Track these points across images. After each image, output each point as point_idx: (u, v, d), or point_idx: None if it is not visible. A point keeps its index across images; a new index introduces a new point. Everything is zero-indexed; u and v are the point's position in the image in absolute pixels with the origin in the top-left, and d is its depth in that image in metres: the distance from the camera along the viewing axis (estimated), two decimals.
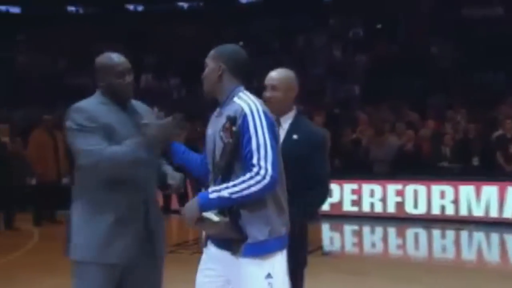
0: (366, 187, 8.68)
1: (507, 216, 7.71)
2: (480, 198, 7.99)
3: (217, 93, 2.24)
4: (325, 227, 8.41)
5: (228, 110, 2.16)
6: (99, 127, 2.27)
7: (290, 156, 2.43)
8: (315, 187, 2.62)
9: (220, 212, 2.11)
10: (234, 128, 2.10)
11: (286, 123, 2.66)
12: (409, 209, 8.41)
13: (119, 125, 2.33)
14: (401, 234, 7.90)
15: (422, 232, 7.86)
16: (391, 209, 8.53)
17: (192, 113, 13.11)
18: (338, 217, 8.54)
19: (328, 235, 8.32)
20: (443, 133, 9.05)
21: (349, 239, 8.09)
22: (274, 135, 2.14)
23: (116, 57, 2.38)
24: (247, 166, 2.09)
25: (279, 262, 2.16)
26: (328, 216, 8.42)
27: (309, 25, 14.27)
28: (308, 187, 2.57)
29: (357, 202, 8.72)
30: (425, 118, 9.88)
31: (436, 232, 7.76)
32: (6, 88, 14.61)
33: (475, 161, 8.52)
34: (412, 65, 11.57)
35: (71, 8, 18.77)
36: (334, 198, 8.79)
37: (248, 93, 2.22)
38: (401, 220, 8.25)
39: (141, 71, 14.65)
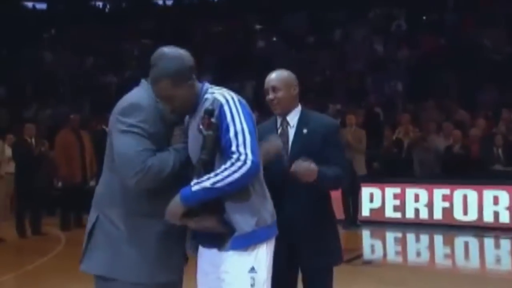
0: (410, 192, 8.51)
1: None
2: None
3: (192, 105, 2.26)
4: (366, 234, 8.27)
5: (204, 105, 2.21)
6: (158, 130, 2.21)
7: (303, 151, 2.60)
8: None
9: (203, 205, 2.12)
10: (213, 120, 2.15)
11: (293, 120, 2.77)
12: (458, 215, 8.20)
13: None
14: (449, 243, 7.71)
15: (472, 241, 7.64)
16: (437, 215, 8.33)
17: None
18: (380, 224, 8.41)
19: (369, 243, 8.19)
20: (495, 133, 8.82)
21: (392, 248, 7.94)
22: (252, 121, 2.20)
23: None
24: (227, 154, 2.13)
25: (264, 254, 2.20)
26: (369, 223, 8.29)
27: (347, 17, 14.13)
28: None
29: (400, 208, 8.56)
30: (475, 117, 9.64)
31: (489, 241, 7.53)
32: (33, 87, 14.99)
33: None
34: (460, 59, 11.32)
35: (98, 3, 19.14)
36: (375, 203, 8.64)
37: (215, 86, 2.29)
38: (449, 227, 8.06)
39: None
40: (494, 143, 8.59)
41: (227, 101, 2.19)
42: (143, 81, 2.30)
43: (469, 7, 12.49)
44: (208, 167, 2.14)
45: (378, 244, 8.15)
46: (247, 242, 2.16)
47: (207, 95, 2.25)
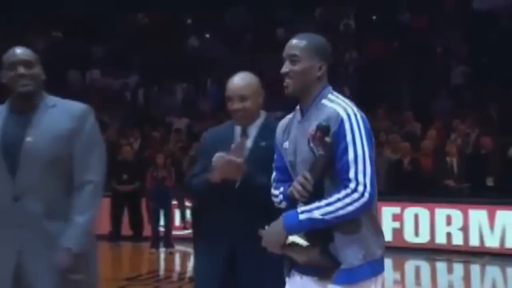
0: None
1: None
2: (494, 225, 8.11)
3: (305, 94, 2.27)
4: None
5: (319, 115, 2.21)
6: None
7: (258, 165, 2.61)
8: None
9: (307, 235, 2.15)
10: (327, 139, 2.13)
11: (253, 131, 2.79)
12: (409, 237, 8.49)
13: None
14: (399, 267, 7.96)
15: (424, 265, 7.93)
16: (387, 237, 8.53)
17: (152, 119, 13.07)
18: None
19: None
20: (448, 145, 9.17)
21: None
22: (371, 143, 2.19)
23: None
24: (342, 180, 2.14)
25: None
26: None
27: (291, 15, 14.38)
28: None
29: None
30: (428, 127, 10.04)
31: (441, 265, 7.83)
32: None
33: (489, 181, 8.67)
34: (413, 63, 11.75)
35: None
36: None
37: (337, 94, 2.28)
38: (399, 250, 8.31)
39: (88, 65, 14.53)
40: (448, 156, 8.96)
41: (349, 117, 2.16)
42: None
43: (422, 6, 12.98)
44: (315, 189, 2.14)
45: None
46: (354, 278, 2.17)
47: (325, 101, 2.24)
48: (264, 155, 2.65)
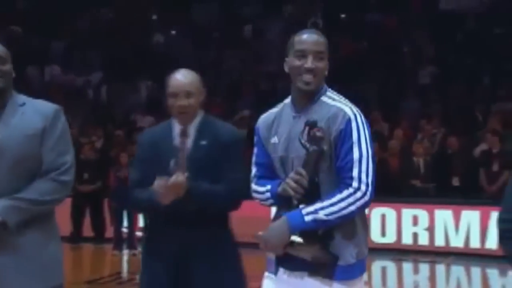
0: None
1: (490, 247, 7.99)
2: (459, 225, 8.29)
3: (314, 91, 2.35)
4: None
5: (321, 111, 2.29)
6: None
7: (200, 165, 2.65)
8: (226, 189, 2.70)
9: (302, 233, 2.20)
10: (318, 134, 2.20)
11: (193, 129, 2.80)
12: (376, 237, 8.62)
13: None
14: (366, 268, 8.05)
15: (391, 266, 8.06)
16: None
17: (115, 117, 12.94)
18: None
19: None
20: (415, 145, 9.33)
21: None
22: (373, 145, 2.29)
23: None
24: (343, 178, 2.21)
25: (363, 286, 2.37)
26: None
27: (258, 12, 14.42)
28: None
29: None
30: (395, 127, 10.19)
31: (407, 266, 7.97)
32: None
33: (455, 181, 8.85)
34: (382, 65, 11.91)
35: None
36: None
37: (334, 92, 2.40)
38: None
39: (47, 61, 14.31)
40: (414, 156, 9.11)
41: (355, 116, 2.25)
42: None
43: (391, 6, 13.15)
44: (310, 186, 2.20)
45: None
46: (351, 275, 2.28)
47: (325, 98, 2.33)
48: (205, 155, 2.71)
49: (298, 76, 2.32)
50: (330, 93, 2.38)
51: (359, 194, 2.18)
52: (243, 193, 2.69)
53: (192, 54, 13.05)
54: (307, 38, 2.35)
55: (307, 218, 2.18)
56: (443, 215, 8.36)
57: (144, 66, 13.20)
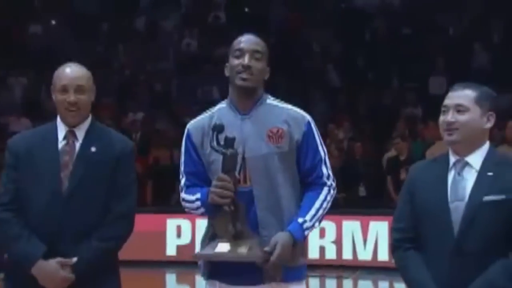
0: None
1: None
2: (367, 237, 8.66)
3: (257, 91, 2.66)
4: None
5: (270, 113, 2.62)
6: None
7: (87, 174, 2.66)
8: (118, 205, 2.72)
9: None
10: (230, 135, 2.47)
11: (81, 134, 2.75)
12: None
13: None
14: None
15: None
16: None
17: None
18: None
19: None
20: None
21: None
22: None
23: None
24: (315, 177, 2.59)
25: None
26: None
27: (153, 4, 14.38)
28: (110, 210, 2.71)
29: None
30: None
31: (314, 282, 8.20)
32: None
33: (362, 191, 9.24)
34: (288, 63, 12.17)
35: None
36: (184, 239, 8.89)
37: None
38: None
39: None
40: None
41: (311, 119, 2.64)
42: None
43: (297, 1, 13.51)
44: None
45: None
46: (302, 274, 2.64)
47: (270, 101, 2.68)
48: (93, 164, 2.69)
49: (237, 75, 2.61)
50: (270, 96, 2.71)
51: (331, 190, 2.61)
52: (129, 228, 2.75)
53: (75, 46, 12.79)
54: (245, 38, 2.70)
55: (306, 231, 2.54)
56: (351, 227, 8.68)
57: (19, 60, 12.80)
